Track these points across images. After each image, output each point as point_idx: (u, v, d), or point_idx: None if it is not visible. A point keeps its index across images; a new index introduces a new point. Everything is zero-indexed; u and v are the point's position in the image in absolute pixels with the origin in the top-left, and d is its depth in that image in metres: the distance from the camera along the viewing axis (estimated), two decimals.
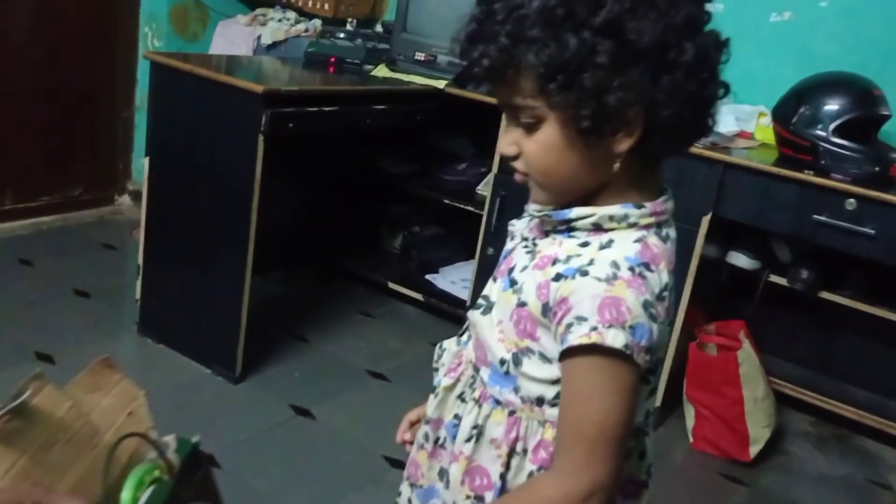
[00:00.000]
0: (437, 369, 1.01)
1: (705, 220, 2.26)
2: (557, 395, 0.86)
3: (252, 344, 2.37)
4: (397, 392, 2.48)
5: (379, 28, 3.27)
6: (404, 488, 1.04)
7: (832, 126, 2.14)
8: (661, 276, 0.83)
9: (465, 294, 2.87)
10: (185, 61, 2.31)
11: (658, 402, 2.34)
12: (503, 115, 0.87)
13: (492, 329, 0.91)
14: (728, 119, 2.42)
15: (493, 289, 0.94)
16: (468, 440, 0.92)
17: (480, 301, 0.94)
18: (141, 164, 3.55)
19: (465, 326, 1.00)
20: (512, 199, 2.60)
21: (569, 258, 0.84)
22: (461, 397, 0.94)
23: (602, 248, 0.83)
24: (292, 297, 3.05)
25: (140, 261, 2.53)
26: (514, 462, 0.90)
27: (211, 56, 2.88)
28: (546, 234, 0.89)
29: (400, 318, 3.01)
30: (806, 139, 2.18)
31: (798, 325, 2.71)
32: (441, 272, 3.12)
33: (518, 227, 0.96)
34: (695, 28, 0.79)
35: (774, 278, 2.45)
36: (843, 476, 2.44)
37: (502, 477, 0.90)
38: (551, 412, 0.87)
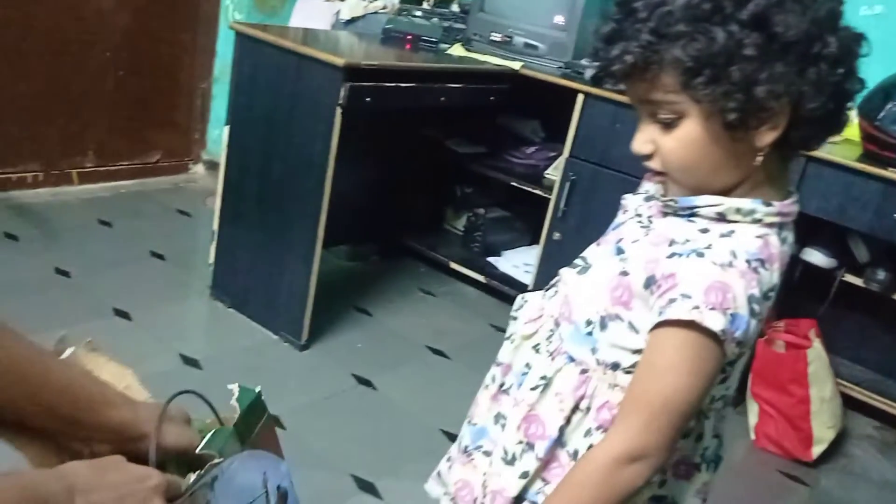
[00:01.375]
0: (514, 318, 1.04)
1: None
2: (633, 365, 0.88)
3: (318, 313, 2.42)
4: (457, 369, 2.51)
5: (455, 7, 3.28)
6: (465, 429, 1.06)
7: None
8: (772, 276, 0.84)
9: (527, 278, 2.87)
10: (267, 32, 2.36)
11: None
12: (639, 113, 0.88)
13: (584, 290, 0.93)
14: None
15: (594, 252, 0.97)
16: (533, 389, 0.94)
17: (577, 261, 0.97)
18: (216, 135, 3.66)
19: (553, 282, 1.03)
20: (582, 184, 2.59)
21: (686, 241, 0.85)
22: (536, 348, 0.97)
23: (722, 236, 0.84)
24: (356, 271, 3.10)
25: (215, 227, 2.61)
26: (576, 418, 0.92)
27: (291, 28, 2.92)
28: (664, 215, 0.91)
29: (460, 299, 3.03)
30: (892, 136, 2.12)
31: (869, 326, 2.64)
32: (504, 255, 3.13)
33: (631, 202, 0.98)
34: (836, 22, 0.81)
35: (849, 278, 2.39)
36: None
37: (561, 430, 0.92)
38: (623, 378, 0.89)
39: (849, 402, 2.50)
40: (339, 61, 2.13)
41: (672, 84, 0.81)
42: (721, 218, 0.86)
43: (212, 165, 3.66)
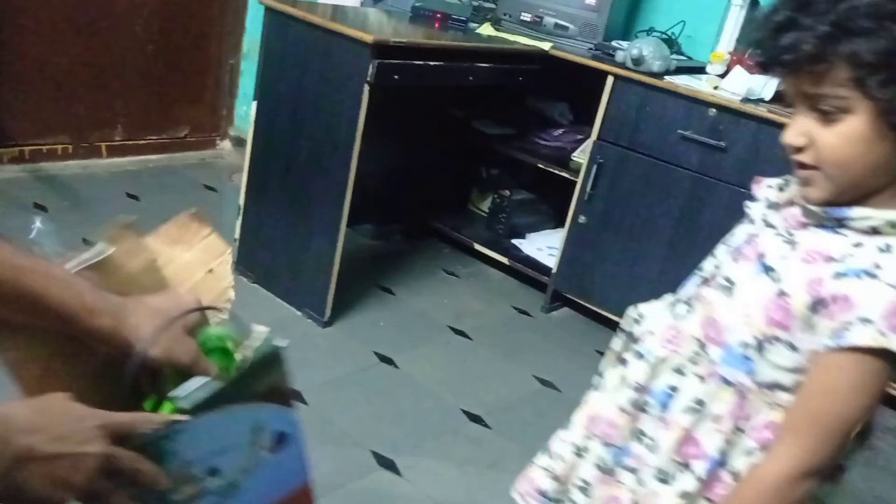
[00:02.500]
0: (628, 332, 1.04)
1: None
2: (794, 383, 0.89)
3: (341, 291, 2.43)
4: (478, 350, 2.51)
5: None
6: (593, 445, 1.05)
7: None
8: None
9: (551, 261, 2.86)
10: (296, 8, 2.36)
11: None
12: (795, 105, 0.88)
13: (734, 312, 0.92)
14: None
15: (734, 269, 0.95)
16: (687, 412, 0.95)
17: (721, 281, 0.95)
18: (243, 111, 3.67)
19: (679, 297, 1.02)
20: (609, 168, 2.57)
21: (845, 258, 0.85)
22: (679, 370, 0.96)
23: (882, 251, 0.84)
24: (380, 250, 3.10)
25: (241, 202, 2.62)
26: (735, 438, 0.93)
27: (320, 4, 2.91)
28: (804, 226, 0.90)
29: (483, 280, 3.03)
30: None
31: None
32: (528, 238, 3.12)
33: (756, 211, 0.97)
34: None
35: None
36: None
37: (722, 452, 0.93)
38: (783, 396, 0.90)
39: None
40: (368, 38, 2.12)
41: (843, 79, 0.81)
42: (873, 231, 0.85)
43: (239, 142, 3.68)
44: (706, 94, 2.35)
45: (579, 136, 2.94)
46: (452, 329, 2.61)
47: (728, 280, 0.95)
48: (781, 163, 2.46)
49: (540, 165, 2.91)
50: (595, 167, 2.58)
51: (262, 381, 0.78)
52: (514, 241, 3.08)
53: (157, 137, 3.52)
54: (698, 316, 0.97)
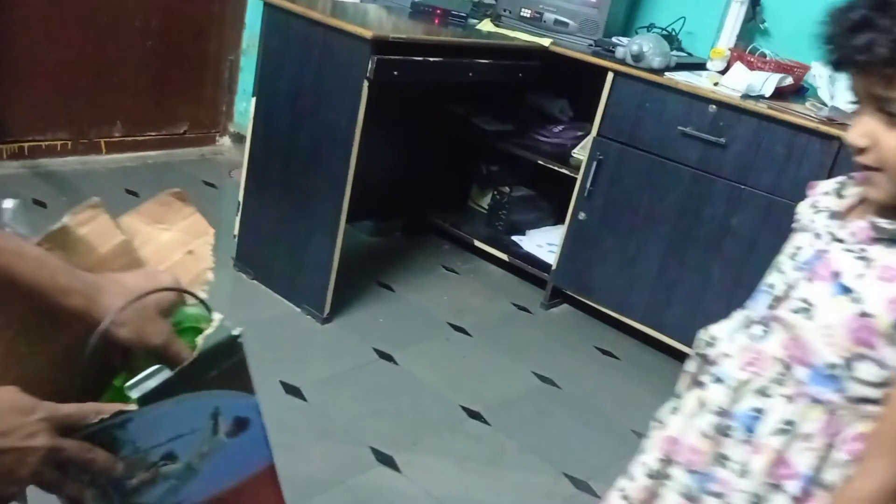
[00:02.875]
0: (702, 355, 1.04)
1: None
2: (883, 395, 0.90)
3: (341, 287, 2.43)
4: (478, 347, 2.51)
5: None
6: (677, 473, 1.05)
7: None
8: None
9: (550, 258, 2.85)
10: (296, 3, 2.35)
11: None
12: (861, 105, 0.88)
13: (817, 333, 0.92)
14: (847, 95, 2.30)
15: (812, 292, 0.94)
16: (776, 434, 0.95)
17: (799, 303, 0.95)
18: (243, 108, 3.67)
19: (751, 317, 1.01)
20: (609, 164, 2.56)
21: None
22: (763, 391, 0.96)
23: None
24: (380, 246, 3.10)
25: (240, 198, 2.62)
26: (827, 455, 0.94)
27: (320, 0, 2.91)
28: (874, 241, 0.90)
29: (483, 277, 3.02)
30: None
31: None
32: (528, 234, 3.12)
33: (819, 223, 0.97)
34: None
35: None
36: None
37: (815, 469, 0.94)
38: (872, 409, 0.91)
39: None
40: (367, 34, 2.12)
41: None
42: None
43: (238, 138, 3.67)
44: (706, 90, 2.34)
45: (579, 133, 2.93)
46: (452, 325, 2.60)
47: (806, 301, 0.94)
48: (781, 160, 2.44)
49: (540, 162, 2.90)
50: (595, 164, 2.58)
51: (217, 368, 0.78)
52: (514, 238, 3.08)
53: (157, 134, 3.51)
54: (779, 337, 0.96)
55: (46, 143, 3.16)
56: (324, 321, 2.43)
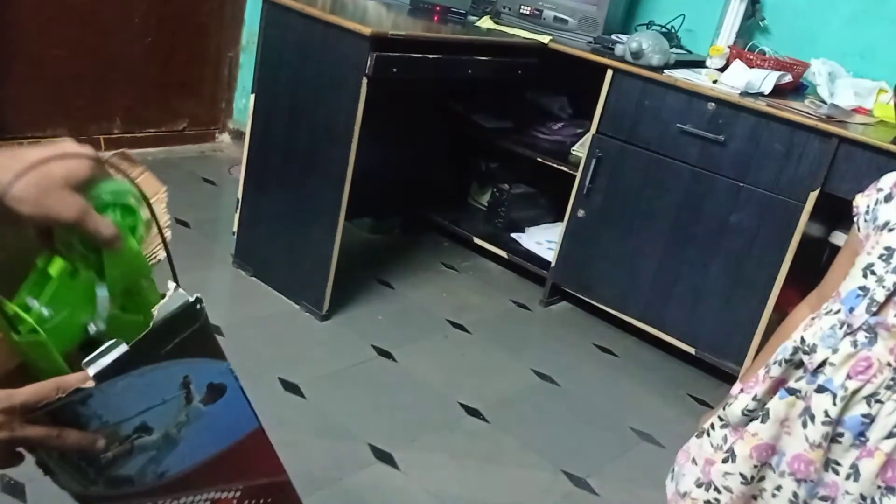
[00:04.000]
0: (796, 362, 1.02)
1: (812, 196, 2.17)
2: None
3: (340, 284, 2.43)
4: (477, 344, 2.51)
5: None
6: (786, 483, 1.04)
7: None
8: None
9: (549, 255, 2.85)
10: (295, 0, 2.35)
11: None
12: None
13: None
14: (846, 93, 2.31)
15: None
16: (888, 437, 0.95)
17: None
18: (242, 104, 3.66)
19: (850, 323, 0.98)
20: (608, 161, 2.56)
21: None
22: (874, 398, 0.96)
23: None
24: (379, 243, 3.10)
25: (239, 195, 2.61)
26: None
27: None
28: None
29: (482, 274, 3.02)
30: None
31: None
32: (527, 231, 3.11)
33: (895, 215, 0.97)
34: None
35: None
36: None
37: None
38: None
39: None
40: (366, 31, 2.11)
41: None
42: None
43: (237, 134, 3.67)
44: (705, 87, 2.34)
45: (578, 130, 2.93)
46: (451, 323, 2.61)
47: None
48: (779, 157, 2.44)
49: (539, 159, 2.90)
50: (594, 161, 2.58)
51: (177, 337, 0.74)
52: (513, 235, 3.08)
53: (156, 130, 3.51)
54: (888, 343, 0.95)
55: (46, 139, 3.16)
56: (323, 318, 2.43)
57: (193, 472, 0.80)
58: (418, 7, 2.72)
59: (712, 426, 1.14)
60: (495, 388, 2.30)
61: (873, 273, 0.97)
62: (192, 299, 0.73)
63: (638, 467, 2.08)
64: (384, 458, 1.92)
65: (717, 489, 1.10)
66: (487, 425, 2.13)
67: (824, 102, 2.30)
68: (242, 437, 0.83)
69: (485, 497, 1.88)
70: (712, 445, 1.12)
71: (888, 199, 1.01)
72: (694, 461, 1.15)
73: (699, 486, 1.12)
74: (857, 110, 2.37)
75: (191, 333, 0.75)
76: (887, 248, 0.97)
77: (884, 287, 0.95)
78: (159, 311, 0.73)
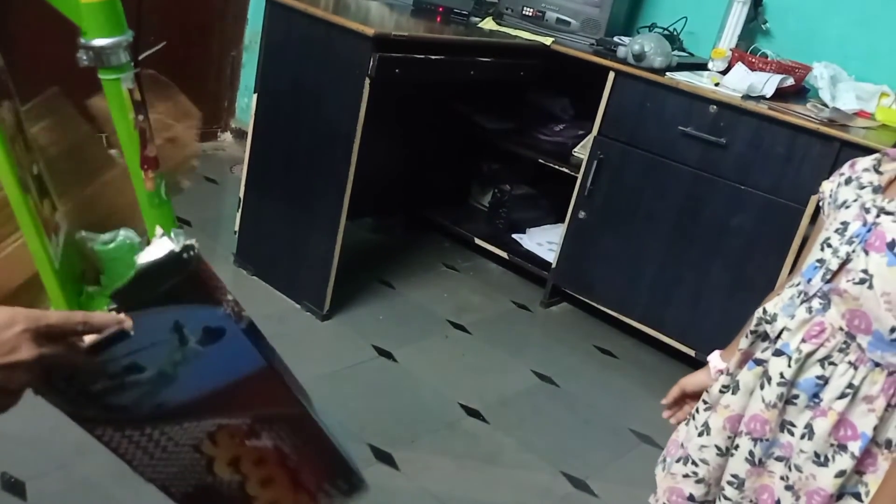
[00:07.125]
0: (761, 332, 1.09)
1: (813, 200, 2.17)
2: None
3: (341, 284, 2.44)
4: (477, 344, 2.51)
5: None
6: (742, 442, 1.09)
7: None
8: None
9: (550, 256, 2.86)
10: (298, 0, 2.35)
11: None
12: None
13: (877, 301, 0.97)
14: (848, 97, 2.31)
15: (870, 263, 0.99)
16: (840, 398, 1.00)
17: (859, 274, 0.99)
18: (245, 104, 3.67)
19: (805, 291, 1.04)
20: (610, 163, 2.57)
21: None
22: (827, 360, 1.01)
23: None
24: (380, 243, 3.10)
25: (241, 194, 2.62)
26: (887, 415, 1.00)
27: None
28: None
29: (483, 274, 3.03)
30: None
31: None
32: (528, 233, 3.12)
33: (867, 199, 1.02)
34: None
35: None
36: None
37: (875, 429, 1.00)
38: None
39: None
40: (369, 31, 2.12)
41: None
42: None
43: (240, 134, 3.67)
44: (707, 90, 2.35)
45: (580, 132, 2.93)
46: (451, 323, 2.61)
47: (865, 272, 0.99)
48: (781, 160, 2.44)
49: (540, 160, 2.91)
50: (595, 163, 2.58)
51: (164, 284, 0.76)
52: (514, 236, 3.08)
53: None
54: (839, 309, 1.01)
55: None
56: (324, 318, 2.44)
57: (192, 404, 0.83)
58: (421, 8, 2.72)
59: (697, 410, 1.18)
60: (495, 389, 2.30)
61: (829, 246, 1.03)
62: (178, 248, 0.74)
63: (637, 469, 2.08)
64: (384, 458, 1.92)
65: (694, 462, 1.15)
66: (487, 426, 2.13)
67: (826, 106, 2.30)
68: (246, 374, 0.85)
69: (484, 497, 1.88)
70: (696, 428, 1.16)
71: (848, 181, 1.08)
72: (682, 445, 1.19)
73: (677, 461, 1.18)
74: (859, 114, 2.37)
75: (180, 282, 0.76)
76: (843, 223, 1.03)
77: (837, 257, 1.01)
78: (142, 258, 0.74)
